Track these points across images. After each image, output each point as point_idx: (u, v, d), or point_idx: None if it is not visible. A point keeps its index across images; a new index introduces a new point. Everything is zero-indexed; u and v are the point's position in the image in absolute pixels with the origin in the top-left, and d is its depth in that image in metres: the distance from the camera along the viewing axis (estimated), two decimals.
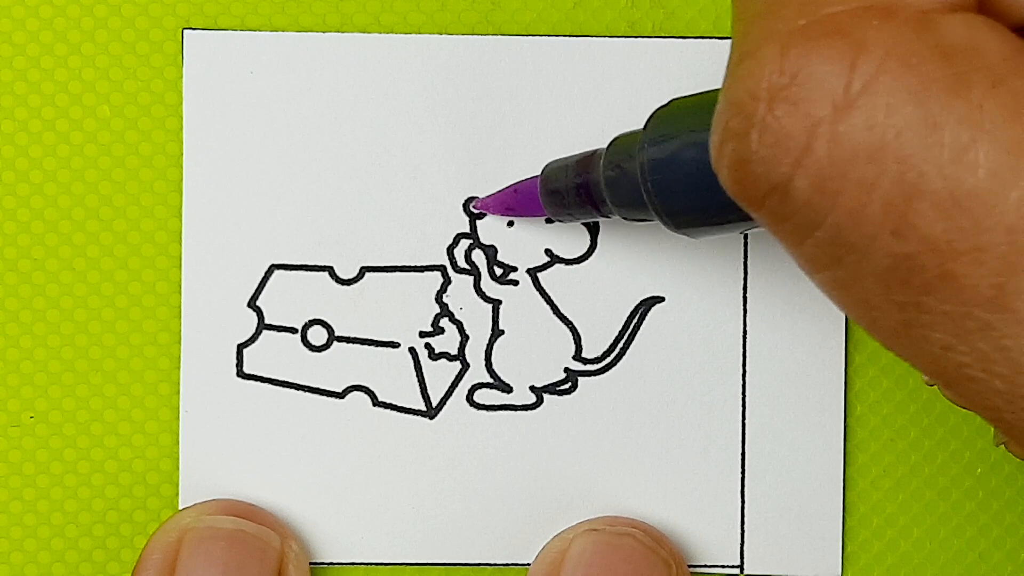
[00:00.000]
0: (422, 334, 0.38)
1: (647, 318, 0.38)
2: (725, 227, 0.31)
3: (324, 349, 0.38)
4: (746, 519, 0.38)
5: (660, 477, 0.38)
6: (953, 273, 0.24)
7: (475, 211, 0.38)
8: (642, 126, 0.32)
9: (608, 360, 0.38)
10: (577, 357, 0.38)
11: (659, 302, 0.38)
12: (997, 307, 0.24)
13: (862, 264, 0.25)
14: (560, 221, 0.37)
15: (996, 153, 0.24)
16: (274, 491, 0.38)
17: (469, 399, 0.39)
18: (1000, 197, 0.24)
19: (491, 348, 0.39)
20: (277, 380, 0.38)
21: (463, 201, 0.38)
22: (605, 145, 0.34)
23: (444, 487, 0.38)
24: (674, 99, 0.32)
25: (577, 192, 0.35)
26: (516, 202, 0.37)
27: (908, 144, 0.24)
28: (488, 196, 0.38)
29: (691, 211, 0.31)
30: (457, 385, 0.39)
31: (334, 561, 0.39)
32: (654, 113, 0.32)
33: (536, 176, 0.37)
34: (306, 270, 0.38)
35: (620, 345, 0.38)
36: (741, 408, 0.38)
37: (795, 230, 0.26)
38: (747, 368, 0.38)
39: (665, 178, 0.31)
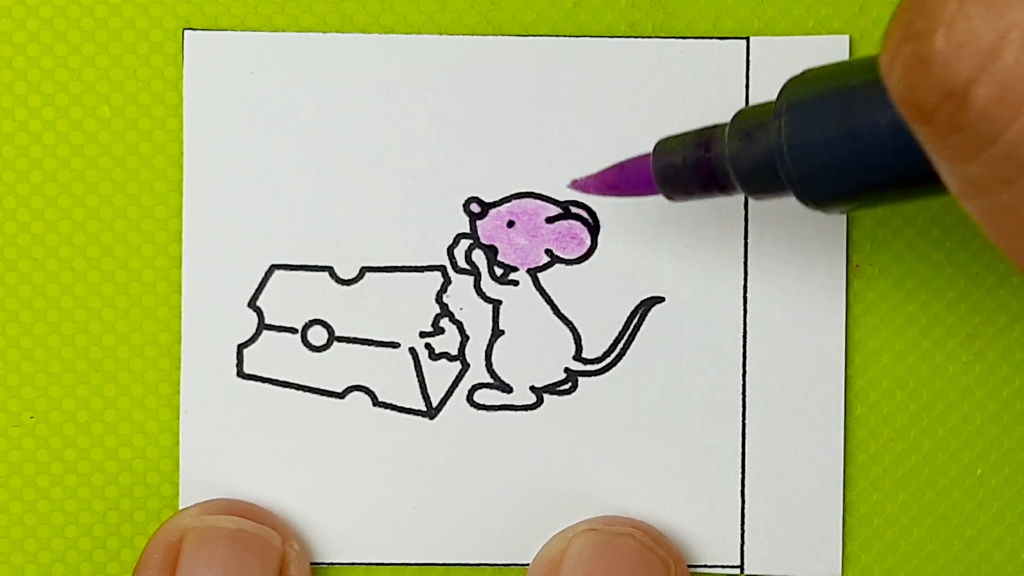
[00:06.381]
0: (422, 334, 0.38)
1: (647, 318, 0.38)
2: (864, 198, 0.29)
3: (324, 349, 0.38)
4: (746, 519, 0.38)
5: (660, 477, 0.38)
6: None
7: (573, 189, 0.36)
8: (775, 96, 0.30)
9: (608, 360, 0.38)
10: (577, 357, 0.38)
11: (659, 302, 0.38)
12: None
13: None
14: (672, 200, 0.34)
15: None
16: (274, 491, 0.38)
17: (469, 399, 0.39)
18: None
19: (491, 348, 0.38)
20: (277, 380, 0.38)
21: (463, 201, 0.38)
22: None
23: (444, 487, 0.38)
24: (808, 69, 0.30)
25: (696, 166, 0.32)
26: (621, 179, 0.35)
27: None
28: (587, 176, 0.36)
29: (832, 179, 0.29)
30: (457, 385, 0.39)
31: (334, 561, 0.39)
32: (788, 82, 0.30)
33: (645, 154, 0.34)
34: (306, 270, 0.38)
35: (620, 345, 0.38)
36: (741, 408, 0.38)
37: (966, 144, 0.24)
38: (747, 368, 0.38)
39: (805, 142, 0.29)
